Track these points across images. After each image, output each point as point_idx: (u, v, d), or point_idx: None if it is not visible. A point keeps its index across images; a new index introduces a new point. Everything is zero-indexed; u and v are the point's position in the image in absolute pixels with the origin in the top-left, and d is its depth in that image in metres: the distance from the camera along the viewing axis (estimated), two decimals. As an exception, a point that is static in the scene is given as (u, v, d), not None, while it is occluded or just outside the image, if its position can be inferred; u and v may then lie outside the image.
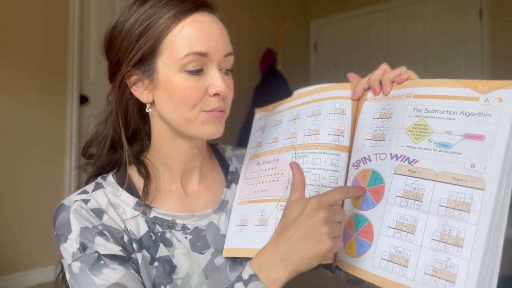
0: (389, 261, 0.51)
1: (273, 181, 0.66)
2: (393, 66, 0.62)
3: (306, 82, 4.38)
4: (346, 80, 0.69)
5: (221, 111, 0.62)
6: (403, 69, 0.61)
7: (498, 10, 3.27)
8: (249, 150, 0.76)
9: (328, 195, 0.53)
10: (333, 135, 0.63)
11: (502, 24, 3.25)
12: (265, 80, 3.64)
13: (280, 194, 0.64)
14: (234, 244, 0.65)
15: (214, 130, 0.62)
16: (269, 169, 0.68)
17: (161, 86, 0.61)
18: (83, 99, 2.53)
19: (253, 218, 0.65)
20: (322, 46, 4.40)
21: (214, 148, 0.79)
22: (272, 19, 3.90)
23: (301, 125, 0.68)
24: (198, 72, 0.60)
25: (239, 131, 3.33)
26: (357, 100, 0.65)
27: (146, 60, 0.61)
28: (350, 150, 0.62)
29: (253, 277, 0.51)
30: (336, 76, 4.14)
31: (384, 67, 0.63)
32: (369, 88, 0.64)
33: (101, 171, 0.69)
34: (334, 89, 0.67)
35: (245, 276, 0.52)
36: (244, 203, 0.68)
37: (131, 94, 0.65)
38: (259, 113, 0.80)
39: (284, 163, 0.66)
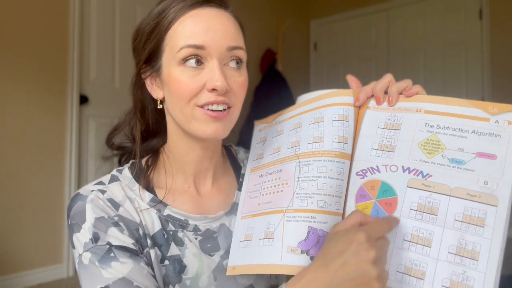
0: (405, 273, 0.51)
1: (278, 192, 0.63)
2: (393, 66, 0.62)
3: (306, 82, 4.37)
4: (346, 80, 0.69)
5: (224, 109, 0.60)
6: (409, 82, 0.61)
7: (498, 10, 3.27)
8: (250, 163, 0.73)
9: (376, 228, 0.50)
10: (338, 142, 0.61)
11: (502, 24, 3.25)
12: (265, 80, 3.64)
13: (285, 204, 0.61)
14: (239, 261, 0.63)
15: (213, 129, 0.60)
16: (272, 180, 0.66)
17: (165, 81, 0.62)
18: (83, 99, 2.53)
19: (258, 231, 0.62)
20: (322, 46, 4.39)
21: (227, 150, 0.79)
22: (272, 19, 3.90)
23: (303, 133, 0.66)
24: (195, 64, 0.59)
25: (239, 132, 3.32)
26: (358, 107, 0.64)
27: (154, 56, 0.63)
28: (351, 158, 0.61)
29: None
30: (336, 76, 4.14)
31: (390, 78, 0.62)
32: (371, 96, 0.63)
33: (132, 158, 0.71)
34: (336, 95, 0.65)
35: None
36: (247, 217, 0.66)
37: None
38: (259, 125, 0.78)
39: (288, 172, 0.64)
